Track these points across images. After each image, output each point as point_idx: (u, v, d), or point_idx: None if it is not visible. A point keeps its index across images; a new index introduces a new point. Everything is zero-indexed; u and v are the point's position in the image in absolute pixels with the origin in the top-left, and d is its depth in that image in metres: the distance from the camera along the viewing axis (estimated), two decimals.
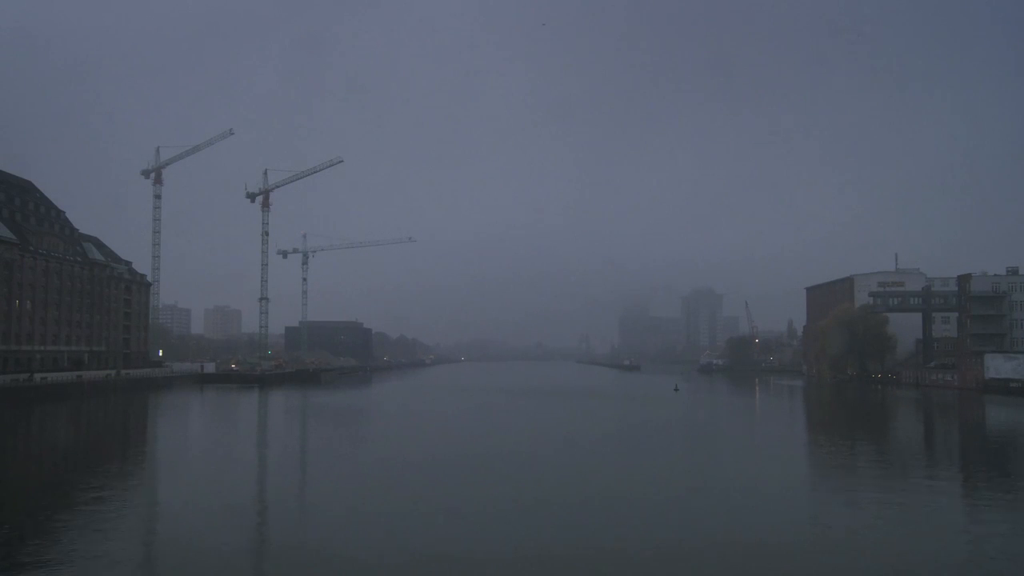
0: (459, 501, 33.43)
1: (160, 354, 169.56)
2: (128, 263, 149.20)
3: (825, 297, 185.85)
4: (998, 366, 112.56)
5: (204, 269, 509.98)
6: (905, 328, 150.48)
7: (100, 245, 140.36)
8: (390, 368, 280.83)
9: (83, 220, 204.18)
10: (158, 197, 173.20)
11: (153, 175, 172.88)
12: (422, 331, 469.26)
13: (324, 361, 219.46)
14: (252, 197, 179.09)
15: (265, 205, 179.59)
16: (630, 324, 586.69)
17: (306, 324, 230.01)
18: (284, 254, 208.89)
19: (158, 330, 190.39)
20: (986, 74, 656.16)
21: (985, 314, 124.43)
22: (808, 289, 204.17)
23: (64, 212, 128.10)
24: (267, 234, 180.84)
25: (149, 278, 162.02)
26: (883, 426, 76.43)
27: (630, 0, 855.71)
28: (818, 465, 47.51)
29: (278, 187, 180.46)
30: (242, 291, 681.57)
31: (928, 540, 27.53)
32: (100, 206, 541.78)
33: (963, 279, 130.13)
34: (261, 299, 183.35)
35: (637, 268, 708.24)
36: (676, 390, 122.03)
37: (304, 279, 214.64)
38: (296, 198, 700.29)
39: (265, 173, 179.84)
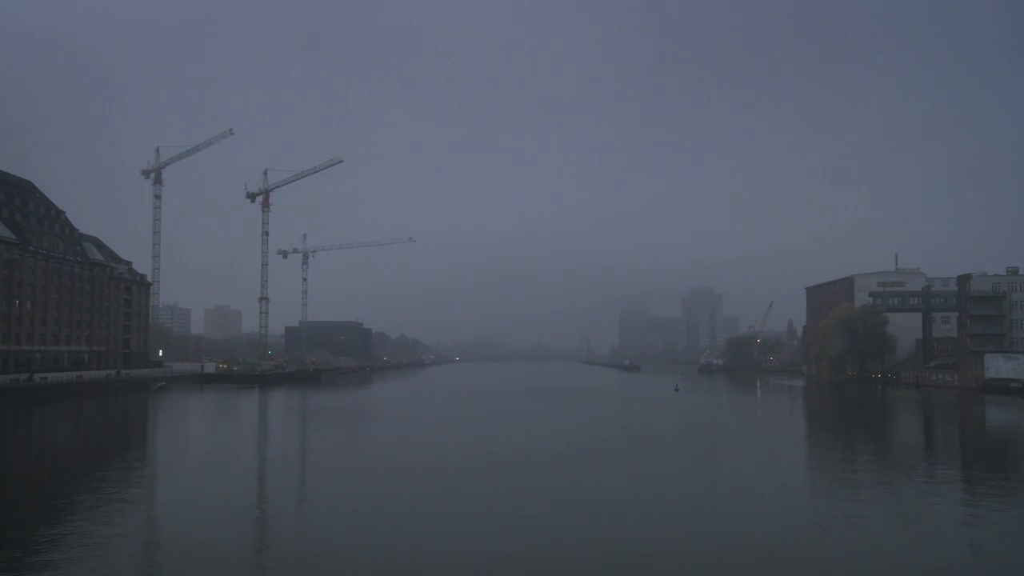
0: (461, 502, 33.40)
1: (160, 354, 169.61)
2: (128, 263, 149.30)
3: (825, 297, 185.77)
4: (998, 366, 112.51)
5: (204, 269, 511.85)
6: (905, 328, 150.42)
7: (100, 245, 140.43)
8: (390, 368, 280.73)
9: (83, 220, 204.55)
10: (158, 197, 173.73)
11: (153, 175, 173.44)
12: (422, 331, 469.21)
13: (324, 361, 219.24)
14: (252, 197, 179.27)
15: (265, 205, 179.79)
16: (630, 324, 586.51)
17: (306, 324, 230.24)
18: (284, 254, 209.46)
19: (158, 330, 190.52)
20: (986, 74, 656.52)
21: (985, 314, 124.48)
22: (808, 289, 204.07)
23: (64, 212, 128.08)
24: (267, 234, 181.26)
25: (149, 278, 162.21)
26: (884, 426, 76.48)
27: (637, 4, 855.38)
28: (819, 465, 47.46)
29: (278, 187, 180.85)
30: (242, 291, 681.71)
31: (929, 540, 27.54)
32: (100, 206, 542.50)
33: (963, 279, 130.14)
34: (261, 299, 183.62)
35: (637, 268, 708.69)
36: (677, 390, 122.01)
37: (304, 279, 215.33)
38: (296, 198, 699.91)
39: (265, 173, 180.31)
